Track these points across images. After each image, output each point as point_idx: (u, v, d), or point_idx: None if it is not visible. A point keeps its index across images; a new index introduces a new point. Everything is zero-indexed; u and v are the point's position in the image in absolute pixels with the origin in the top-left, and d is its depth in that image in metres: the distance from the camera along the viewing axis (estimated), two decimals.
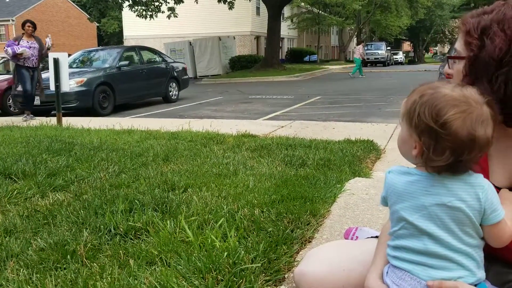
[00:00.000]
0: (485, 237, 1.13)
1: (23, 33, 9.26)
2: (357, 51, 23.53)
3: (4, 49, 9.09)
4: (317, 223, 2.43)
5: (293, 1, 36.17)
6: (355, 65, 24.01)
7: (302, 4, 39.58)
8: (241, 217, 2.38)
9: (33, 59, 9.12)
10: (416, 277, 1.11)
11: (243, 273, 1.75)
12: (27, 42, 9.15)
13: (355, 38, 50.73)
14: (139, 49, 13.37)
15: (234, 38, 29.30)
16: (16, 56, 8.93)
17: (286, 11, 38.04)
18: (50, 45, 9.24)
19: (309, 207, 2.56)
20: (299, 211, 2.47)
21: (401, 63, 42.45)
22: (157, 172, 3.63)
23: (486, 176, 1.29)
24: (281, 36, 31.14)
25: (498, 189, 1.29)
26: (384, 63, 37.55)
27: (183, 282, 1.71)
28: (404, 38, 58.39)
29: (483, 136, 1.04)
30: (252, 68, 26.21)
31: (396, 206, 1.15)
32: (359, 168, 4.00)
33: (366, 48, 39.82)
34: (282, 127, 7.13)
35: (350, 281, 1.36)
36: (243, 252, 1.89)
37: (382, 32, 49.61)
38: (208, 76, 25.26)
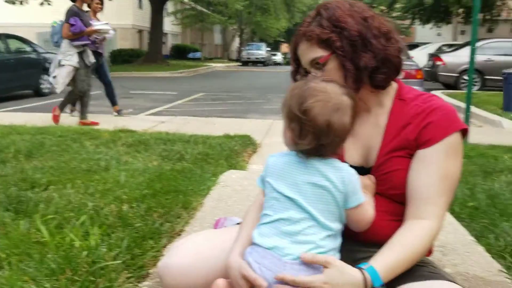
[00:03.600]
0: (347, 221, 1.23)
1: (87, 11, 6.80)
2: None
3: (73, 28, 6.23)
4: (189, 216, 2.38)
5: None
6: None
7: (186, 0, 39.22)
8: (107, 213, 2.24)
9: (104, 44, 7.14)
10: (277, 254, 1.15)
11: (103, 271, 1.63)
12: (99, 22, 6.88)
13: (238, 38, 51.65)
14: (5, 37, 12.07)
15: (115, 31, 27.98)
16: (84, 34, 6.39)
17: (170, 6, 37.34)
18: None
19: (181, 200, 2.51)
20: (170, 205, 2.40)
21: (279, 64, 44.04)
22: (17, 169, 3.29)
23: (342, 157, 1.36)
24: (165, 32, 30.54)
25: (353, 168, 1.36)
26: (264, 63, 38.65)
27: (31, 286, 1.54)
28: (283, 40, 60.87)
29: (338, 123, 1.16)
30: (135, 63, 25.33)
31: (273, 183, 1.22)
32: (236, 161, 4.06)
33: (247, 48, 40.74)
34: (163, 122, 6.98)
35: (215, 269, 1.34)
36: (104, 249, 1.77)
37: (262, 33, 51.09)
38: None
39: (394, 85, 1.38)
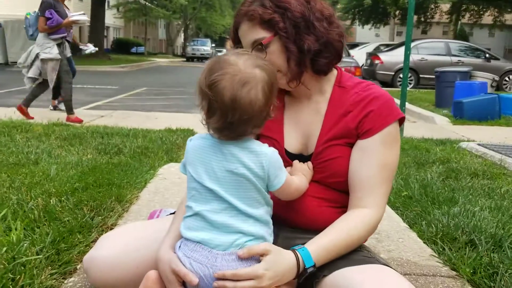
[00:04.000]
0: (277, 196, 1.21)
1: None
2: None
3: (53, 20, 5.68)
4: (123, 209, 2.29)
5: None
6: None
7: None
8: (33, 207, 2.10)
9: (71, 33, 6.39)
10: (207, 247, 1.10)
11: (24, 268, 1.51)
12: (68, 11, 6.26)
13: (182, 33, 50.92)
14: None
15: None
16: (61, 27, 5.86)
17: None
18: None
19: (115, 193, 2.40)
20: (102, 198, 2.29)
21: None
22: None
23: (282, 143, 1.33)
24: (106, 25, 29.55)
25: (292, 155, 1.33)
26: (209, 59, 38.37)
27: None
28: (228, 37, 60.90)
29: (245, 98, 1.07)
30: (74, 56, 24.30)
31: (192, 171, 1.15)
32: (177, 155, 3.98)
33: (192, 43, 40.22)
34: (102, 116, 6.75)
35: (146, 260, 1.28)
36: (26, 245, 1.64)
37: (207, 29, 50.64)
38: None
39: (334, 72, 1.37)
